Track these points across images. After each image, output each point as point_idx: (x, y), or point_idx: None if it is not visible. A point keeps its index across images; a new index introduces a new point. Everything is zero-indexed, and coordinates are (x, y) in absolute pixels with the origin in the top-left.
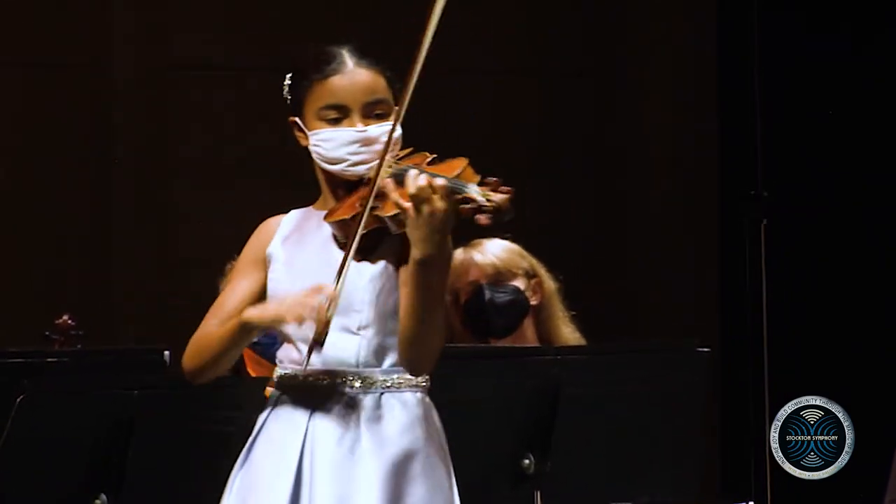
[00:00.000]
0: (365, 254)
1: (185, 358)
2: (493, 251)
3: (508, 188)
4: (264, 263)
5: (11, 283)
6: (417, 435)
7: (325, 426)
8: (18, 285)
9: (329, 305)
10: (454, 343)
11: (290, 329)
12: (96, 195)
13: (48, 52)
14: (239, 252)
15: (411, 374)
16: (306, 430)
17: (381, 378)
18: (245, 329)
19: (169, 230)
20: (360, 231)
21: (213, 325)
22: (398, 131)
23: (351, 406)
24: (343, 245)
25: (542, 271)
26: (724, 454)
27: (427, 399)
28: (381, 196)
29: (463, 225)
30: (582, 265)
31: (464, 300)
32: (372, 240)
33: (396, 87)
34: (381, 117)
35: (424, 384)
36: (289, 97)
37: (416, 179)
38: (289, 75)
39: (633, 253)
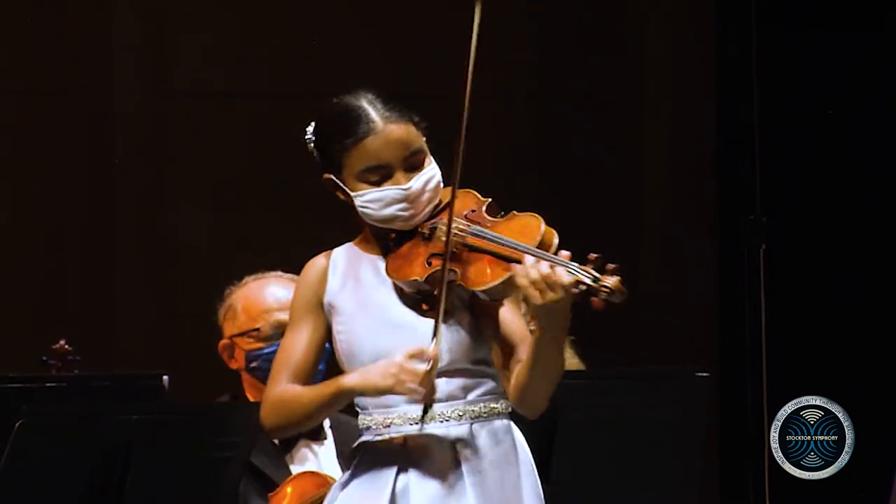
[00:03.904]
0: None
1: (267, 415)
2: None
3: (615, 265)
4: (321, 310)
5: (9, 309)
6: (512, 461)
7: (419, 466)
8: (16, 310)
9: (432, 368)
10: None
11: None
12: (96, 220)
13: (49, 80)
14: (239, 279)
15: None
16: (398, 469)
17: (469, 408)
18: (345, 396)
19: (168, 256)
20: (444, 299)
21: (286, 380)
22: (437, 176)
23: (445, 442)
24: (409, 298)
25: None
26: (724, 454)
27: (512, 424)
28: (456, 259)
29: None
30: None
31: None
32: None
33: (423, 128)
34: (419, 167)
35: (508, 410)
36: (317, 153)
37: (532, 270)
38: (311, 129)
39: (633, 277)
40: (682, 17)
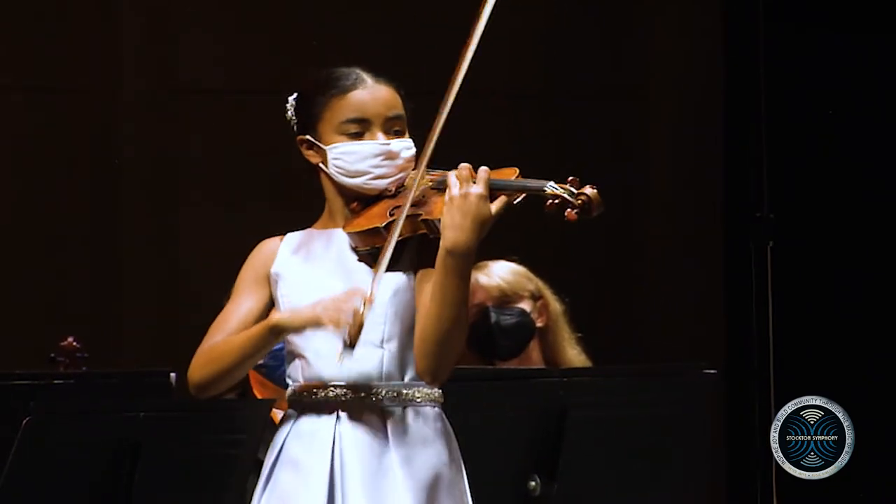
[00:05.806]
0: (388, 267)
1: (194, 369)
2: (499, 273)
3: (593, 185)
4: (267, 283)
5: (16, 305)
6: (440, 448)
7: (352, 442)
8: (24, 307)
9: (364, 308)
10: (460, 365)
11: (304, 339)
12: (103, 217)
13: (56, 76)
14: None
15: (428, 381)
16: (332, 447)
17: (405, 392)
18: (274, 332)
19: (175, 253)
20: (396, 235)
21: (221, 340)
22: (414, 150)
23: (377, 420)
24: (363, 256)
25: (547, 293)
26: (729, 453)
27: (443, 414)
28: (421, 203)
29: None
30: (588, 287)
31: (470, 322)
32: (395, 252)
33: (409, 106)
34: (399, 133)
35: (441, 399)
36: (295, 118)
37: (461, 169)
38: (293, 97)
39: (639, 275)
40: (688, 14)
